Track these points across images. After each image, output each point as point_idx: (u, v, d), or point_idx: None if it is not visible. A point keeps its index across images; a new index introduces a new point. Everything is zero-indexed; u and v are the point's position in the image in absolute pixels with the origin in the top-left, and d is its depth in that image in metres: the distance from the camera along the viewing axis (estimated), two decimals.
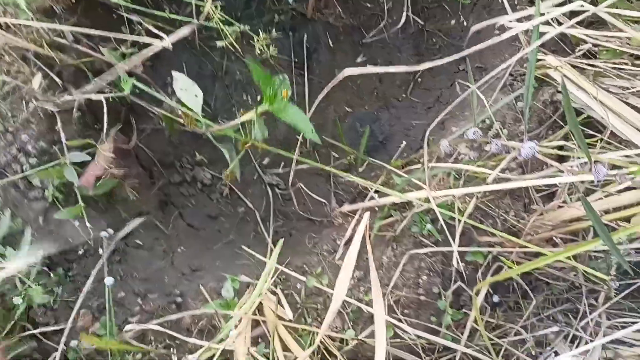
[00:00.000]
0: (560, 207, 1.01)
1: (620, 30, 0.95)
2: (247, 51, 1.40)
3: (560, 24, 1.07)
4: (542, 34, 0.97)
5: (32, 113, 1.03)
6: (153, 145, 1.40)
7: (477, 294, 0.99)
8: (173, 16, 1.15)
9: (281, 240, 1.21)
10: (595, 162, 0.70)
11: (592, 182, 0.77)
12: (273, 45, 1.29)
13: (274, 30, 1.39)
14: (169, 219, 1.36)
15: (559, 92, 1.07)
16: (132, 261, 1.19)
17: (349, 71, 1.03)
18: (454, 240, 0.95)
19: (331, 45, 1.43)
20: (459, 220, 0.95)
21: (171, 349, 1.09)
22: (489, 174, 0.90)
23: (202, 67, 1.34)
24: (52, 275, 1.08)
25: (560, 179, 0.87)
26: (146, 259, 1.21)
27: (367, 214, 0.94)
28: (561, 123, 1.06)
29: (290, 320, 1.00)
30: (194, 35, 1.26)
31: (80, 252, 1.12)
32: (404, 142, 1.21)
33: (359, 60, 1.45)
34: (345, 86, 1.45)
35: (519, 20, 1.14)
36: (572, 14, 1.03)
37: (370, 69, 1.03)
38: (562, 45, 1.10)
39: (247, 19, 1.40)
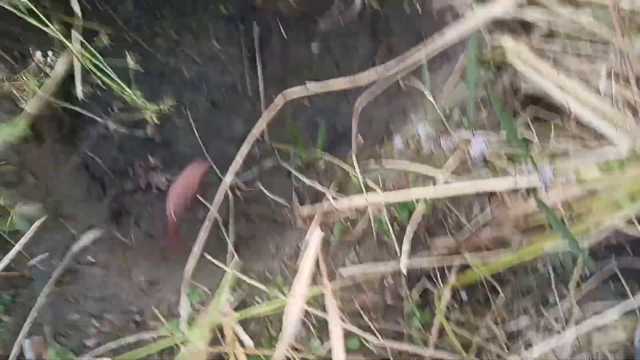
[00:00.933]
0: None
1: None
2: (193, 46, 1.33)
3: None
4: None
5: None
6: (102, 152, 1.33)
7: (440, 297, 0.95)
8: None
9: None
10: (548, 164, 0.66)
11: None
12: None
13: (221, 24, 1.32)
14: (126, 230, 1.30)
15: (518, 78, 1.02)
16: (86, 280, 1.13)
17: (288, 94, 0.98)
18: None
19: (284, 35, 1.36)
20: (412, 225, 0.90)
21: None
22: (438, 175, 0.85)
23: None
24: None
25: (505, 184, 0.82)
26: (100, 277, 1.15)
27: (317, 234, 0.88)
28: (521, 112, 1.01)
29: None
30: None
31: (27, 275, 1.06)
32: (360, 138, 1.16)
33: (313, 49, 1.38)
34: (301, 75, 1.38)
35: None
36: None
37: (309, 87, 0.96)
38: (520, 25, 1.04)
39: (192, 13, 1.32)
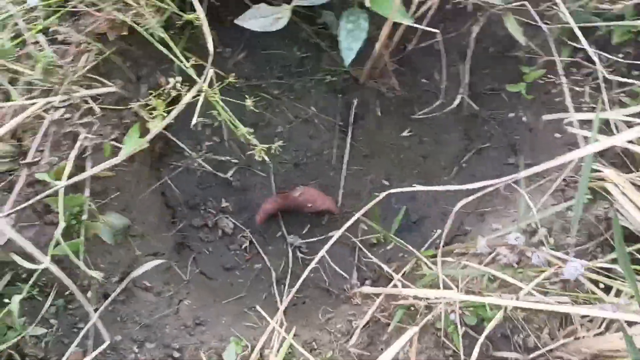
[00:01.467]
0: (599, 334, 0.92)
1: None
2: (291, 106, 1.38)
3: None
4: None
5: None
6: (182, 184, 1.37)
7: None
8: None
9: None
10: None
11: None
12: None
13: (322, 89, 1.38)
14: (184, 263, 1.31)
15: (614, 209, 1.00)
16: (137, 303, 1.13)
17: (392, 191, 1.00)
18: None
19: (379, 114, 1.39)
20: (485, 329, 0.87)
21: None
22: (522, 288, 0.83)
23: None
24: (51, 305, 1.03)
25: (601, 312, 0.78)
26: (151, 304, 1.15)
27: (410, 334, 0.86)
28: (613, 243, 0.98)
29: None
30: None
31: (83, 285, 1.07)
32: (438, 230, 1.14)
33: (404, 134, 1.40)
34: (387, 157, 1.40)
35: (582, 122, 1.08)
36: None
37: (415, 189, 0.98)
38: (625, 159, 1.03)
39: (299, 75, 1.38)
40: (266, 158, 1.08)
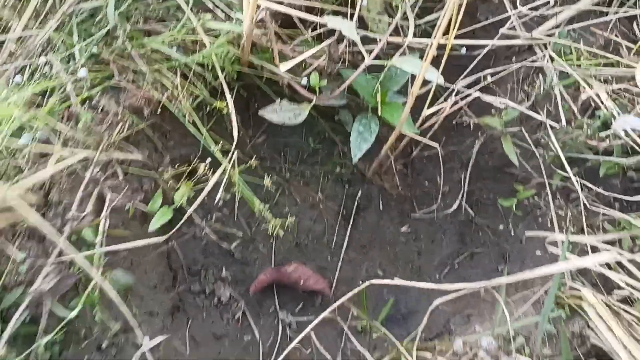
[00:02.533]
0: None
1: None
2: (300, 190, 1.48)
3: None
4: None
5: None
6: (187, 250, 1.45)
7: None
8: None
9: None
10: None
11: None
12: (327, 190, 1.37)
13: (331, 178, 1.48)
14: (177, 327, 1.36)
15: (589, 327, 1.05)
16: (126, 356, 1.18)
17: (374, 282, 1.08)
18: None
19: (381, 208, 1.48)
20: None
21: None
22: None
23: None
24: None
25: None
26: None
27: None
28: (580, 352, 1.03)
29: None
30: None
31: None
32: (422, 324, 1.20)
33: (403, 229, 1.48)
34: (384, 249, 1.47)
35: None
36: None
37: (396, 282, 1.06)
38: (602, 281, 1.09)
39: (310, 164, 1.48)
40: (281, 232, 1.16)
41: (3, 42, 1.20)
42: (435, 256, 1.45)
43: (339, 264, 1.46)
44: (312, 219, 1.48)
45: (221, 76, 1.14)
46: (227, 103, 1.14)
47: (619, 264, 1.07)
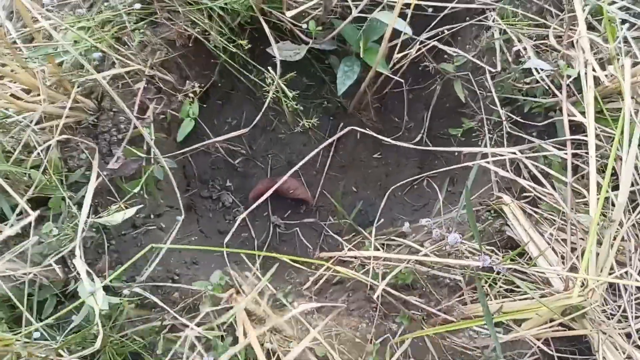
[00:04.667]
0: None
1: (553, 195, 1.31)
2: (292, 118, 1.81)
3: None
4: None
5: None
6: (198, 162, 1.78)
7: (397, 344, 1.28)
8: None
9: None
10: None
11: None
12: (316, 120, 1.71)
13: (319, 111, 1.82)
14: (189, 221, 1.70)
15: (506, 224, 1.41)
16: (154, 238, 1.52)
17: (354, 128, 1.42)
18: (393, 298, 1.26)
19: (358, 137, 1.83)
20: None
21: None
22: (421, 250, 1.24)
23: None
24: None
25: (461, 262, 1.20)
26: (159, 239, 1.53)
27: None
28: (501, 252, 1.39)
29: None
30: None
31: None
32: (381, 220, 1.56)
33: (375, 155, 1.83)
34: (358, 170, 1.82)
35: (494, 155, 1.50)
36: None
37: (370, 133, 1.38)
38: (519, 191, 1.46)
39: (303, 97, 1.81)
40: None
41: None
42: (399, 177, 1.80)
43: (322, 180, 1.81)
44: (303, 143, 1.82)
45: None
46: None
47: (532, 177, 1.42)
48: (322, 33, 1.62)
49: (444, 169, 1.50)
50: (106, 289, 1.27)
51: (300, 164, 1.46)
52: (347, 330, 1.35)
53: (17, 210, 1.14)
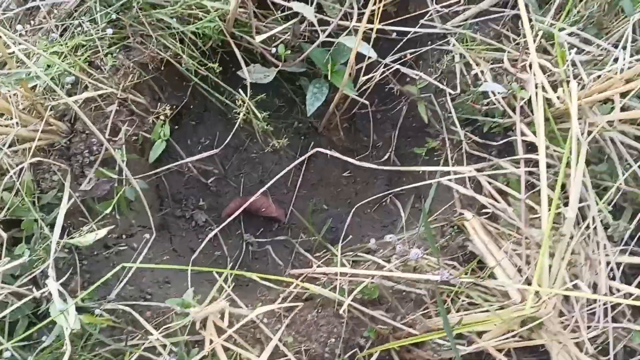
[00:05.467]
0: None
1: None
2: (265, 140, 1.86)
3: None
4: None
5: None
6: (171, 182, 1.81)
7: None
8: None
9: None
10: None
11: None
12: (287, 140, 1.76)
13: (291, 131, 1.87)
14: (162, 240, 1.73)
15: (468, 240, 1.47)
16: (126, 258, 1.54)
17: (320, 150, 1.46)
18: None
19: (328, 156, 1.88)
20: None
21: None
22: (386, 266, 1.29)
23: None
24: None
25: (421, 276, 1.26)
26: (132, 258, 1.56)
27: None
28: (463, 267, 1.45)
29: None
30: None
31: None
32: (350, 236, 1.61)
33: (344, 174, 1.89)
34: (329, 188, 1.88)
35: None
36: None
37: (336, 154, 1.43)
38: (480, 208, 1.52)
39: (275, 118, 1.86)
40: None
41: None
42: (368, 195, 1.85)
43: (293, 198, 1.86)
44: (274, 162, 1.86)
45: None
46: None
47: (494, 193, 1.48)
48: (291, 56, 1.68)
49: (410, 186, 1.55)
50: (79, 309, 1.30)
51: (270, 183, 1.50)
52: (315, 346, 1.39)
53: None
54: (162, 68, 1.57)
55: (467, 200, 1.53)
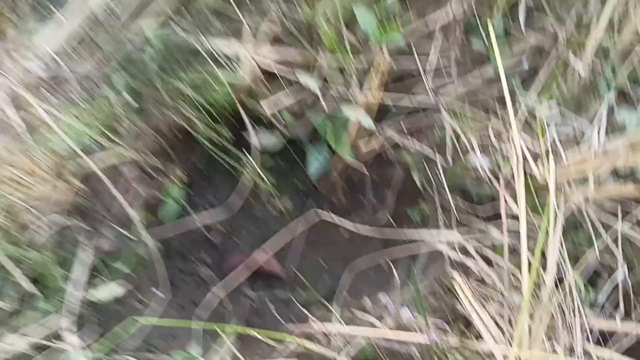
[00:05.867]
0: None
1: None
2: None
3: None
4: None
5: None
6: (178, 237, 1.91)
7: None
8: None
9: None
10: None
11: None
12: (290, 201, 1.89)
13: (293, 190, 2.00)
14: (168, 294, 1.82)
15: (458, 301, 1.56)
16: (134, 309, 1.63)
17: (320, 215, 1.56)
18: None
19: (332, 216, 1.99)
20: None
21: None
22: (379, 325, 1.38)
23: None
24: None
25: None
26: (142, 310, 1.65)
27: None
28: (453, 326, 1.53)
29: None
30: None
31: None
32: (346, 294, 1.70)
33: (345, 236, 1.99)
34: (327, 246, 1.98)
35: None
36: None
37: (336, 219, 1.53)
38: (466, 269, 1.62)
39: (280, 178, 1.98)
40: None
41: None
42: (365, 253, 1.94)
43: (293, 255, 1.96)
44: (277, 220, 1.97)
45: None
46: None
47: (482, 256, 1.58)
48: (296, 122, 1.82)
49: (404, 245, 1.66)
50: None
51: (271, 239, 1.61)
52: None
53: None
54: (177, 134, 1.71)
55: (457, 263, 1.63)
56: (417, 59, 1.75)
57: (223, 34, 1.66)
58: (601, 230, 1.39)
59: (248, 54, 1.58)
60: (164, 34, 1.55)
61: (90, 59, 1.57)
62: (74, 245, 1.44)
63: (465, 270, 1.63)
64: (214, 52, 1.58)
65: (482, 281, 1.56)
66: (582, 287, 1.33)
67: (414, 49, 1.75)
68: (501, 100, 1.77)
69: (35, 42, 1.49)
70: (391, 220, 1.95)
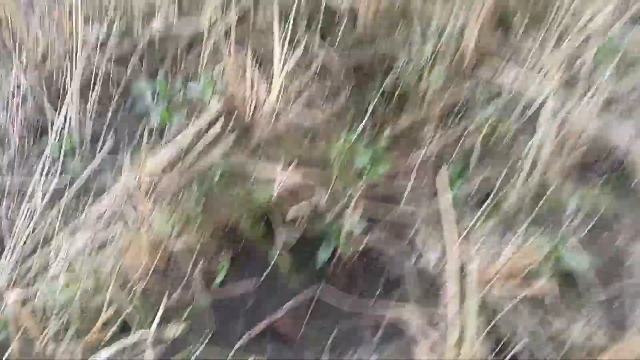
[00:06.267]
0: None
1: None
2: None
3: None
4: None
5: None
6: None
7: None
8: None
9: None
10: None
11: None
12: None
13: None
14: None
15: None
16: None
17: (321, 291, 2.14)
18: None
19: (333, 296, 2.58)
20: None
21: None
22: None
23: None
24: None
25: None
26: None
27: None
28: None
29: None
30: None
31: None
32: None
33: (346, 310, 2.57)
34: (332, 328, 2.46)
35: None
36: None
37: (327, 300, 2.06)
38: None
39: (295, 261, 2.59)
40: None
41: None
42: (365, 326, 2.47)
43: (303, 328, 2.49)
44: (293, 293, 2.49)
45: None
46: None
47: None
48: (309, 224, 2.50)
49: None
50: None
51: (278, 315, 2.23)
52: None
53: None
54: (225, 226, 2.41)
55: None
56: None
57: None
58: None
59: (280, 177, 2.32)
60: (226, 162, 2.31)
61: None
62: None
63: None
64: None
65: None
66: None
67: None
68: None
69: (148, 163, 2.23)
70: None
